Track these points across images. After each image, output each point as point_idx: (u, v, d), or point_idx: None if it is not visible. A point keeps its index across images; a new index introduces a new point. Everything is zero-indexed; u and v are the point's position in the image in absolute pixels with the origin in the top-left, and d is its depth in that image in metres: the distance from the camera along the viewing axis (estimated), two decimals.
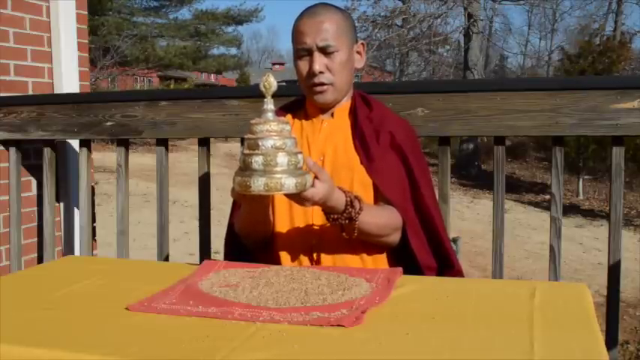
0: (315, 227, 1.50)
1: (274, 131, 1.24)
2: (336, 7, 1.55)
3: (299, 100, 1.65)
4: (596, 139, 10.47)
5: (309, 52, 1.50)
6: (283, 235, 1.51)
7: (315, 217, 1.49)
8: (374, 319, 1.02)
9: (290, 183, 1.21)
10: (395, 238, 1.50)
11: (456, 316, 1.05)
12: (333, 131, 1.56)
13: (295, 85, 1.75)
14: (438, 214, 1.59)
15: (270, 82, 1.27)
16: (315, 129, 1.58)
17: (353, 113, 1.58)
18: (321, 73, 1.50)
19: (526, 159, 16.91)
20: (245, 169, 1.23)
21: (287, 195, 1.28)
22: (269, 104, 1.27)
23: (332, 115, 1.58)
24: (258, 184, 1.20)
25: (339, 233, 1.43)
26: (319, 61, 1.49)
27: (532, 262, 6.67)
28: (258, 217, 1.48)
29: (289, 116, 1.63)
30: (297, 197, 1.29)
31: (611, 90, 1.78)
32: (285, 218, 1.51)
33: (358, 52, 1.60)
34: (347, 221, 1.38)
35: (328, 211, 1.37)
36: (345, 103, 1.59)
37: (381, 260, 1.52)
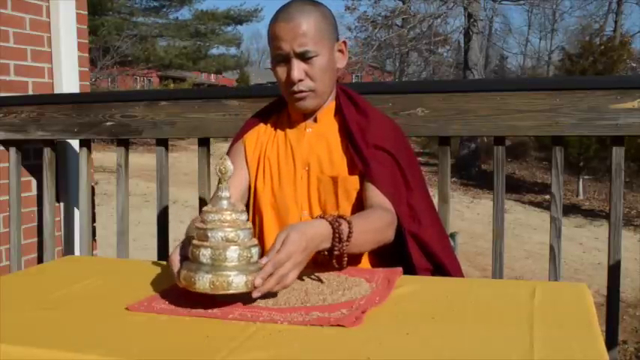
0: None
1: (227, 222, 1.10)
2: (314, 3, 1.44)
3: (282, 101, 1.56)
4: (598, 139, 10.46)
5: (287, 59, 1.41)
6: None
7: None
8: (374, 319, 1.02)
9: (239, 281, 1.05)
10: (388, 235, 1.39)
11: (456, 316, 1.05)
12: (317, 138, 1.50)
13: None
14: (431, 220, 1.51)
15: (227, 167, 1.14)
16: (299, 136, 1.51)
17: (339, 114, 1.51)
18: (300, 80, 1.41)
19: (526, 159, 16.89)
20: (193, 261, 1.10)
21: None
22: (224, 191, 1.13)
23: (315, 119, 1.51)
24: (203, 282, 1.06)
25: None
26: (298, 68, 1.40)
27: (532, 262, 6.66)
28: None
29: (269, 125, 1.56)
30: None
31: (611, 90, 1.78)
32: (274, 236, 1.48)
33: (340, 51, 1.49)
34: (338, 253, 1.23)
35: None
36: (329, 105, 1.52)
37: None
